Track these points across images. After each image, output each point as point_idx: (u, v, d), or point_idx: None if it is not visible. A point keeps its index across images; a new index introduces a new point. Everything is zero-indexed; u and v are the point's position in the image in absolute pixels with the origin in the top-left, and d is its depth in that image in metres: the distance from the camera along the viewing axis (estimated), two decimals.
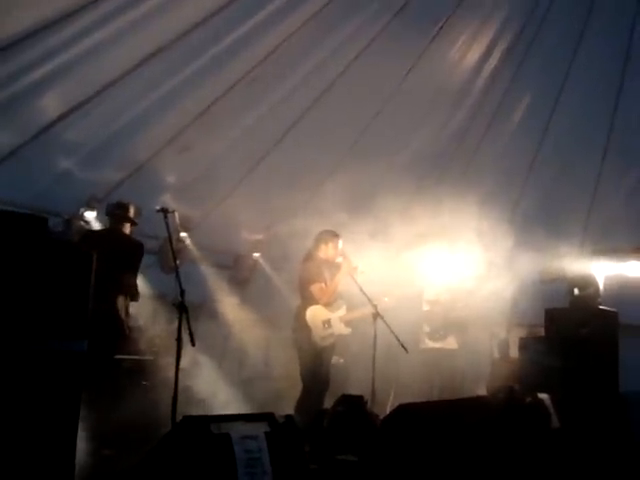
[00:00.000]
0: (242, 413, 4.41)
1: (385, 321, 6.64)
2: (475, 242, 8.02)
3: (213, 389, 7.04)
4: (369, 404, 5.63)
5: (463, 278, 8.17)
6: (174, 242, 5.52)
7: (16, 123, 6.46)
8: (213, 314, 8.94)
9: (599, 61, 7.98)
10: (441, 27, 7.54)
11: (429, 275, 8.41)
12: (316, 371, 6.64)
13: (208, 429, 3.80)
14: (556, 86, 8.35)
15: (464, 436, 5.49)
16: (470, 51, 7.99)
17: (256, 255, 9.60)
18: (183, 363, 5.01)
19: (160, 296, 8.12)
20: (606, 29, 7.72)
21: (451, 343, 8.28)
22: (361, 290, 6.81)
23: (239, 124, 7.69)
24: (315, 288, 6.88)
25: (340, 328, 6.94)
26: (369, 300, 6.74)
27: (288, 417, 4.35)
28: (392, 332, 6.67)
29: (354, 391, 7.07)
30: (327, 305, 6.92)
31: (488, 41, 7.96)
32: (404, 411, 5.36)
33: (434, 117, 8.51)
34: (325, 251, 7.01)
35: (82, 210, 7.53)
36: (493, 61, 8.16)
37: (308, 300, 6.90)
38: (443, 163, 9.19)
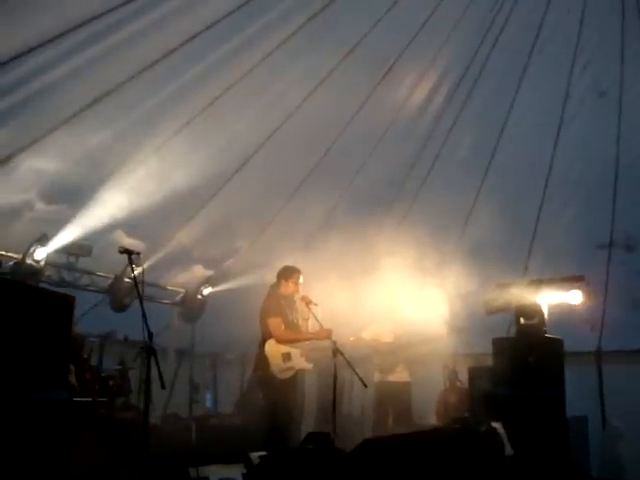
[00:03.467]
0: (217, 454, 4.39)
1: (345, 357, 6.71)
2: (422, 276, 8.23)
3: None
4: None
5: (412, 312, 8.31)
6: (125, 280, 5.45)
7: None
8: (164, 352, 8.89)
9: (540, 101, 8.34)
10: (390, 67, 7.75)
11: (381, 310, 8.56)
12: (278, 405, 6.65)
13: (187, 473, 3.79)
14: (498, 125, 8.68)
15: (426, 466, 5.59)
16: (416, 91, 8.22)
17: (207, 291, 9.57)
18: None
19: (110, 335, 8.06)
20: (546, 70, 8.09)
21: (403, 376, 8.42)
22: (321, 326, 6.91)
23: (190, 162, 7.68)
24: (272, 322, 6.93)
25: (301, 362, 6.97)
26: (329, 336, 6.82)
27: (263, 457, 4.36)
28: (351, 367, 6.77)
29: (314, 426, 7.18)
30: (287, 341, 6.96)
31: (433, 83, 8.21)
32: (369, 445, 5.44)
33: (381, 153, 8.67)
34: (285, 287, 7.10)
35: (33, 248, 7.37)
36: (437, 101, 8.41)
37: (266, 334, 6.94)
38: (389, 198, 9.37)
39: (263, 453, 4.37)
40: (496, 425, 7.28)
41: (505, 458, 7.02)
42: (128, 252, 5.21)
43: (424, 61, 7.98)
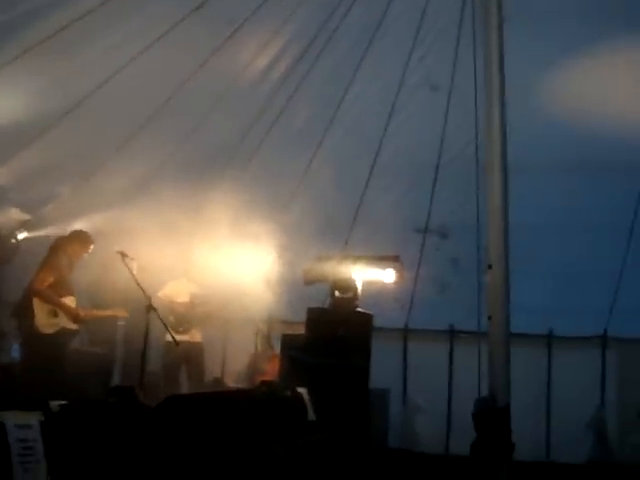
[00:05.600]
0: (16, 401, 4.27)
1: (158, 314, 6.74)
2: (242, 239, 8.36)
3: None
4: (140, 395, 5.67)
5: (225, 272, 8.42)
6: None
7: None
8: None
9: (377, 84, 8.65)
10: (235, 29, 7.72)
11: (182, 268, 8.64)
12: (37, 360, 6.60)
13: None
14: (335, 101, 8.90)
15: (229, 426, 5.72)
16: (260, 57, 8.24)
17: (21, 235, 9.13)
18: None
19: None
20: (386, 55, 8.39)
21: (195, 337, 8.54)
22: (135, 281, 6.88)
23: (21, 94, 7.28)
24: (42, 276, 6.94)
25: (67, 322, 6.94)
26: (143, 291, 6.80)
27: (63, 406, 4.29)
28: (165, 325, 6.83)
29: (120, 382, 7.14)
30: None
31: (277, 50, 8.27)
32: (173, 401, 5.49)
33: (217, 116, 8.63)
34: (75, 249, 7.11)
35: None
36: (280, 69, 8.49)
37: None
38: (221, 162, 9.36)
39: (63, 402, 4.30)
40: (301, 391, 7.56)
41: (308, 423, 7.32)
42: None
43: (269, 28, 8.00)
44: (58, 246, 7.34)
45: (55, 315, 6.93)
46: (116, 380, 8.25)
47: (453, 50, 8.44)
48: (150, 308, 6.74)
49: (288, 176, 9.56)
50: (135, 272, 7.36)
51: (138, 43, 7.41)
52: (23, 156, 7.97)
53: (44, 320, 6.84)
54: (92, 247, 7.52)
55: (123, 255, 6.97)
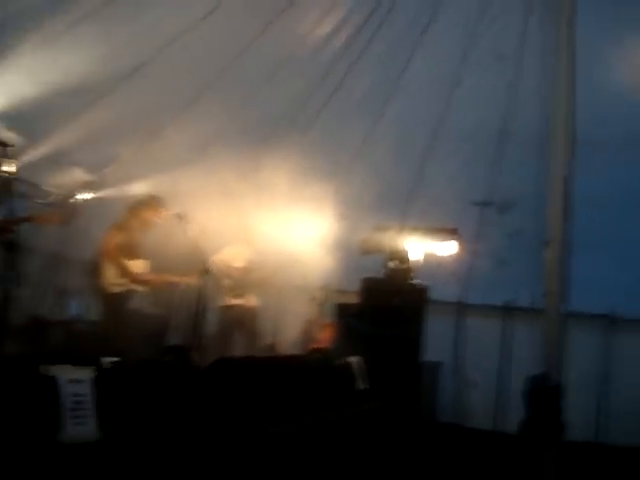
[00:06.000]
0: (70, 356, 4.39)
1: (213, 278, 6.82)
2: (299, 208, 8.36)
3: None
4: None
5: (282, 239, 8.45)
6: None
7: None
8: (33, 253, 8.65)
9: (440, 53, 8.49)
10: None
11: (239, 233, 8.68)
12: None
13: (36, 370, 3.78)
14: (397, 71, 8.77)
15: (277, 390, 5.78)
16: (322, 24, 8.17)
17: (84, 195, 9.30)
18: None
19: None
20: (452, 23, 8.21)
21: (250, 301, 8.57)
22: (193, 244, 6.95)
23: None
24: (110, 236, 7.19)
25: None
26: (200, 255, 6.86)
27: (116, 363, 4.39)
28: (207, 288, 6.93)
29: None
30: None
31: (339, 18, 8.17)
32: (223, 363, 5.56)
33: (278, 83, 8.60)
34: (144, 214, 7.28)
35: None
36: (342, 37, 8.39)
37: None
38: (282, 127, 9.34)
39: (116, 359, 4.39)
40: (352, 359, 7.60)
41: (356, 392, 7.36)
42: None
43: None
44: (130, 209, 7.44)
45: (123, 276, 7.04)
46: (174, 342, 8.37)
47: (520, 19, 8.20)
48: (205, 271, 6.78)
49: (348, 145, 9.50)
50: (193, 235, 7.42)
51: (203, 5, 7.41)
52: (87, 117, 8.08)
53: (112, 280, 6.98)
54: (161, 212, 7.55)
55: (181, 218, 7.01)
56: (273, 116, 9.00)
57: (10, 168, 8.05)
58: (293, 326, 9.45)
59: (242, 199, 8.66)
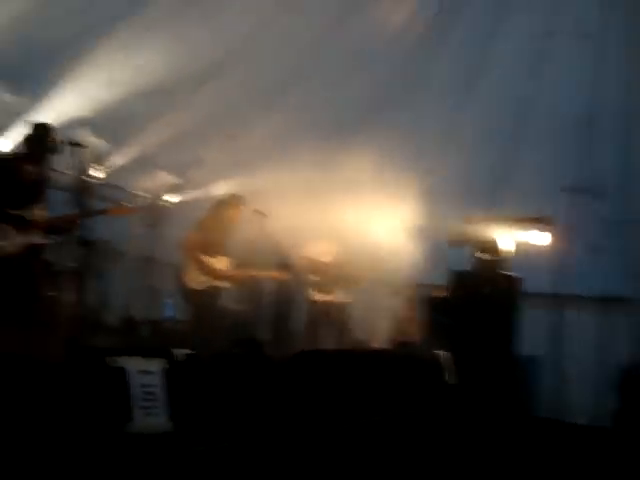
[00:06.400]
0: (140, 347, 4.43)
1: (298, 273, 6.79)
2: (384, 200, 8.21)
3: None
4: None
5: (368, 233, 8.32)
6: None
7: None
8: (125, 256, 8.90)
9: (519, 39, 8.18)
10: None
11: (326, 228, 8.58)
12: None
13: (103, 361, 3.81)
14: (478, 58, 8.52)
15: (364, 384, 5.67)
16: (395, 14, 8.02)
17: (171, 198, 9.51)
18: None
19: None
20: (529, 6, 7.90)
21: (339, 297, 8.46)
22: (273, 240, 6.95)
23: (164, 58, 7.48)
24: (190, 235, 7.17)
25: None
26: (281, 251, 6.86)
27: (189, 355, 4.39)
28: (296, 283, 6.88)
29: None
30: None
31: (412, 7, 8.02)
32: (305, 356, 5.51)
33: (356, 74, 8.50)
34: (226, 213, 7.24)
35: None
36: (418, 26, 8.22)
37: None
38: (365, 120, 9.22)
39: (189, 351, 4.40)
40: (441, 354, 7.39)
41: (445, 386, 7.15)
42: (72, 144, 5.11)
43: None
44: (211, 208, 7.54)
45: (205, 273, 7.12)
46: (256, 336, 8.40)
47: None
48: (287, 267, 6.77)
49: (433, 134, 9.27)
50: (276, 231, 7.44)
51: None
52: (169, 119, 8.23)
53: (194, 277, 7.06)
54: (242, 210, 7.59)
55: (261, 214, 7.02)
56: (355, 108, 8.89)
57: (98, 173, 8.36)
58: (381, 321, 9.31)
59: (325, 194, 8.60)
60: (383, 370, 6.22)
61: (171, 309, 9.69)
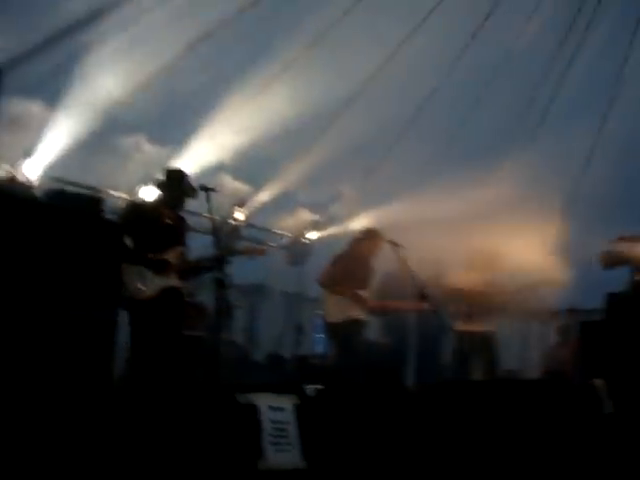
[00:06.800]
0: (271, 384, 4.49)
1: (433, 304, 6.67)
2: (530, 224, 7.92)
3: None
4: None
5: (512, 261, 8.05)
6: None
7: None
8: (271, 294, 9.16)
9: None
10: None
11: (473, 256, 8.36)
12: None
13: (234, 399, 3.89)
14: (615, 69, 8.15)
15: (514, 416, 5.45)
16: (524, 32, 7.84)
17: (312, 235, 9.68)
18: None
19: None
20: None
21: (488, 326, 8.18)
22: (408, 270, 6.88)
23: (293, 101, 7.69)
24: (327, 268, 7.34)
25: (355, 312, 7.07)
26: (417, 281, 6.77)
27: (320, 390, 4.40)
28: (440, 314, 6.75)
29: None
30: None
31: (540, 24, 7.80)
32: (443, 387, 5.38)
33: (499, 83, 8.32)
34: (364, 246, 7.35)
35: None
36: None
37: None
38: (503, 140, 9.00)
39: (319, 386, 4.41)
40: (596, 382, 6.98)
41: (603, 416, 6.74)
42: (206, 189, 5.29)
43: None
44: (350, 243, 7.62)
45: (345, 305, 7.17)
46: (410, 370, 8.29)
47: None
48: (427, 298, 6.66)
49: (573, 152, 8.89)
50: (414, 262, 7.37)
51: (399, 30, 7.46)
52: (306, 158, 8.42)
53: (332, 309, 7.13)
54: (380, 242, 7.62)
55: (394, 245, 6.99)
56: (493, 129, 8.71)
57: (240, 215, 8.70)
58: (532, 350, 8.96)
59: (466, 221, 8.44)
60: (534, 400, 5.96)
61: (321, 344, 9.80)
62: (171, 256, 5.33)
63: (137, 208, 5.88)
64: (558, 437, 5.77)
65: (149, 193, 7.69)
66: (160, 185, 5.66)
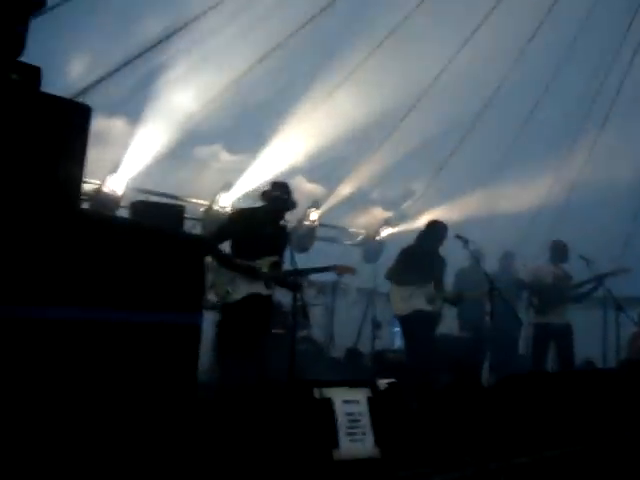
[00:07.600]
0: (346, 380, 4.74)
1: (503, 296, 6.74)
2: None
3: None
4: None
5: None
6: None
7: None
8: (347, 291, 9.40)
9: None
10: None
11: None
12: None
13: (311, 394, 4.16)
14: None
15: (577, 406, 5.52)
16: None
17: (386, 232, 9.87)
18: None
19: None
20: None
21: (563, 318, 8.15)
22: (477, 263, 7.02)
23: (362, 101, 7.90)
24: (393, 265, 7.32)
25: (422, 304, 7.15)
26: (485, 274, 6.85)
27: (391, 384, 4.63)
28: (511, 307, 6.84)
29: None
30: None
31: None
32: (512, 380, 5.51)
33: (554, 91, 8.35)
34: (429, 240, 7.32)
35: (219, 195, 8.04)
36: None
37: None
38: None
39: (392, 380, 4.64)
40: None
41: None
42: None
43: None
44: (416, 236, 7.66)
45: (410, 297, 7.24)
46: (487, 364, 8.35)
47: None
48: (492, 291, 6.72)
49: None
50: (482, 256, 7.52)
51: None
52: (377, 157, 8.63)
53: (398, 303, 7.20)
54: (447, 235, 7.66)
55: (462, 239, 7.06)
56: (555, 126, 8.72)
57: (315, 217, 8.97)
58: (608, 340, 8.90)
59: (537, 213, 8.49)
60: (611, 391, 6.00)
61: (399, 338, 9.97)
62: (264, 264, 5.58)
63: (242, 214, 6.04)
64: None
65: (227, 200, 8.09)
66: (264, 195, 5.84)
